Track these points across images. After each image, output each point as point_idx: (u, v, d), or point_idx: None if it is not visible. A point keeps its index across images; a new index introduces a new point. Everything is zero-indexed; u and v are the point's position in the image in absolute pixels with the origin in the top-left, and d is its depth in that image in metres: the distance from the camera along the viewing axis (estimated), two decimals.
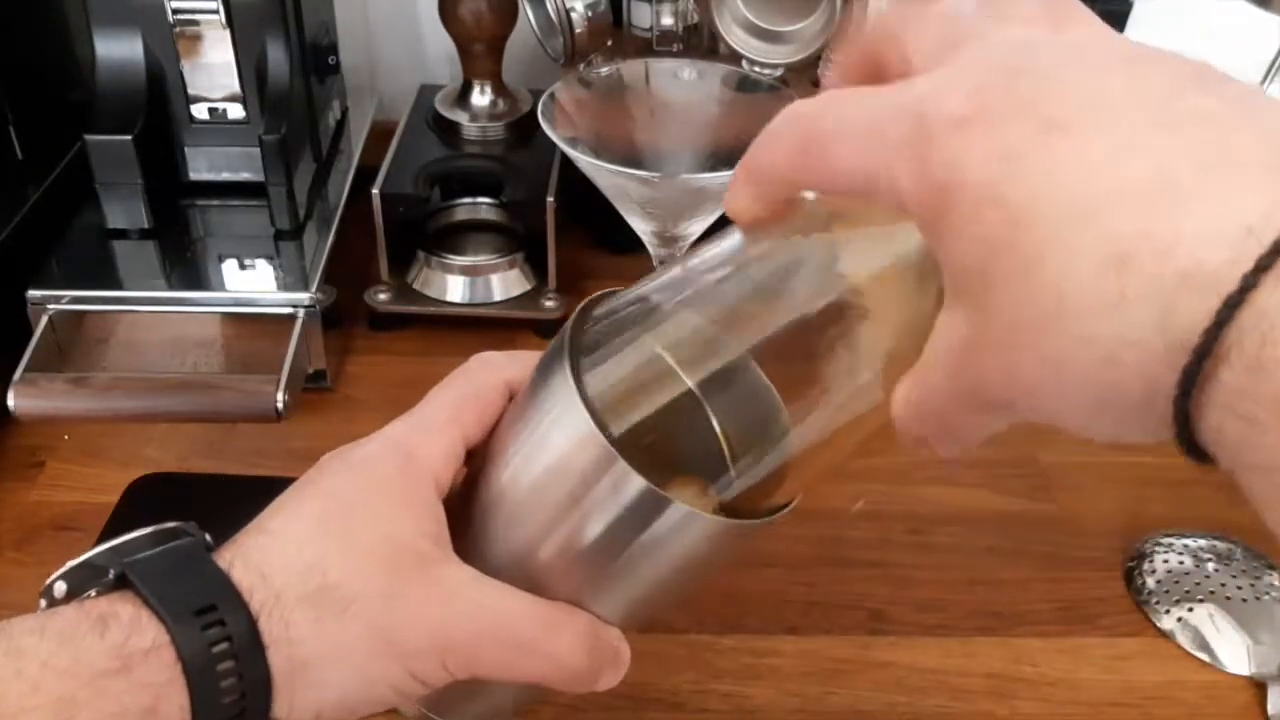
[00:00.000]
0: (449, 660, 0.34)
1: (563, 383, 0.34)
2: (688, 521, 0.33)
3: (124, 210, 0.67)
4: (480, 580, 0.35)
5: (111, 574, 0.33)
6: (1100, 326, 0.23)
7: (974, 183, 0.24)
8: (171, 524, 0.35)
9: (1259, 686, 0.52)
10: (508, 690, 0.40)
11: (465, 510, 0.37)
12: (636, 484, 0.33)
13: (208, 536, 0.35)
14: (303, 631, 0.33)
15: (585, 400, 0.33)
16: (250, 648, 0.32)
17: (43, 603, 0.34)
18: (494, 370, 0.38)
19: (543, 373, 0.35)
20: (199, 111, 0.69)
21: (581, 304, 0.36)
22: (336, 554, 0.34)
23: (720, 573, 0.37)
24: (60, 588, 0.34)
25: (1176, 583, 0.56)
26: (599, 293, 0.36)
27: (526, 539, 0.36)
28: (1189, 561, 0.57)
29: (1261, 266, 0.20)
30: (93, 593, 0.33)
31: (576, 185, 0.69)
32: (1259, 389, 0.21)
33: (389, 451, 0.37)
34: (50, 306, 0.62)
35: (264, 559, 0.34)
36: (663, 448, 0.34)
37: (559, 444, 0.34)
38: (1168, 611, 0.55)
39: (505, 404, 0.38)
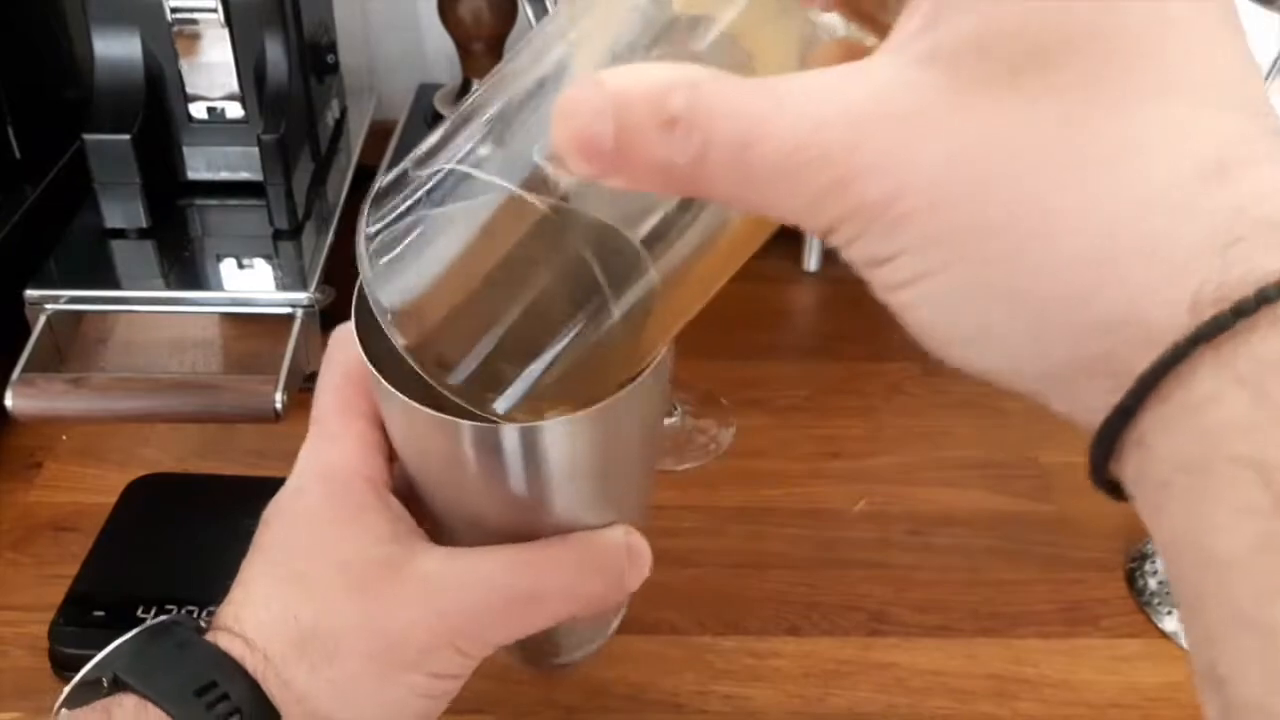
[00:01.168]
0: (462, 645, 0.33)
1: (372, 375, 0.33)
2: (532, 435, 0.31)
3: (122, 210, 0.66)
4: (453, 556, 0.34)
5: (105, 682, 0.33)
6: (1148, 209, 0.18)
7: None
8: (160, 619, 0.35)
9: None
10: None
11: (418, 498, 0.37)
12: (465, 428, 0.31)
13: (201, 622, 0.35)
14: (304, 686, 0.32)
15: (393, 379, 0.32)
16: (260, 712, 0.32)
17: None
18: (349, 345, 0.36)
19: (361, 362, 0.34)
20: (197, 111, 0.69)
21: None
22: (299, 599, 0.34)
23: (641, 445, 0.36)
24: (65, 715, 0.33)
25: None
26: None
27: (463, 509, 0.35)
28: None
29: None
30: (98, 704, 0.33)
31: None
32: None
33: (306, 479, 0.36)
34: (48, 306, 0.62)
35: (241, 627, 0.33)
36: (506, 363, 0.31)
37: (402, 425, 0.34)
38: (1169, 612, 0.54)
39: None
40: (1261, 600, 0.18)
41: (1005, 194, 0.19)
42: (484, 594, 0.34)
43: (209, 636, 0.33)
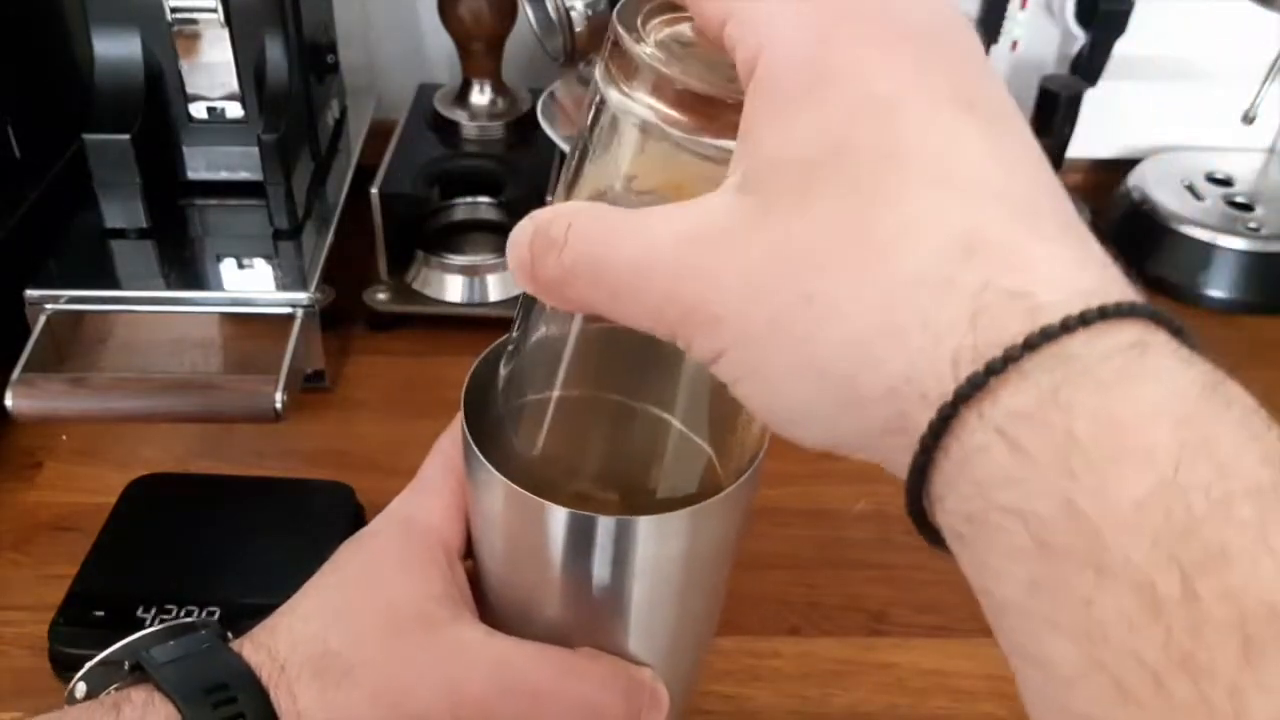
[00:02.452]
0: (463, 718, 0.34)
1: (470, 448, 0.34)
2: (627, 529, 0.33)
3: (122, 210, 0.66)
4: (491, 636, 0.35)
5: (126, 665, 0.34)
6: (911, 289, 0.21)
7: (867, 89, 0.23)
8: (188, 619, 0.36)
9: None
10: None
11: (477, 575, 0.38)
12: (560, 514, 0.33)
13: (229, 634, 0.36)
14: (308, 701, 0.33)
15: (492, 445, 0.34)
16: None
17: (66, 707, 0.35)
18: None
19: (462, 435, 0.36)
20: (197, 111, 0.69)
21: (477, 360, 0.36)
22: (336, 623, 0.35)
23: (720, 563, 0.37)
24: (80, 688, 0.35)
25: None
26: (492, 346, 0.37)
27: (522, 596, 0.36)
28: None
29: (1088, 319, 0.20)
30: (111, 689, 0.34)
31: None
32: (1044, 416, 0.20)
33: (389, 523, 0.38)
34: (48, 306, 0.62)
35: (272, 638, 0.35)
36: (612, 469, 0.35)
37: (492, 506, 0.35)
38: None
39: None
40: (1035, 637, 0.20)
41: (799, 288, 0.22)
42: (503, 677, 0.35)
43: (237, 643, 0.35)
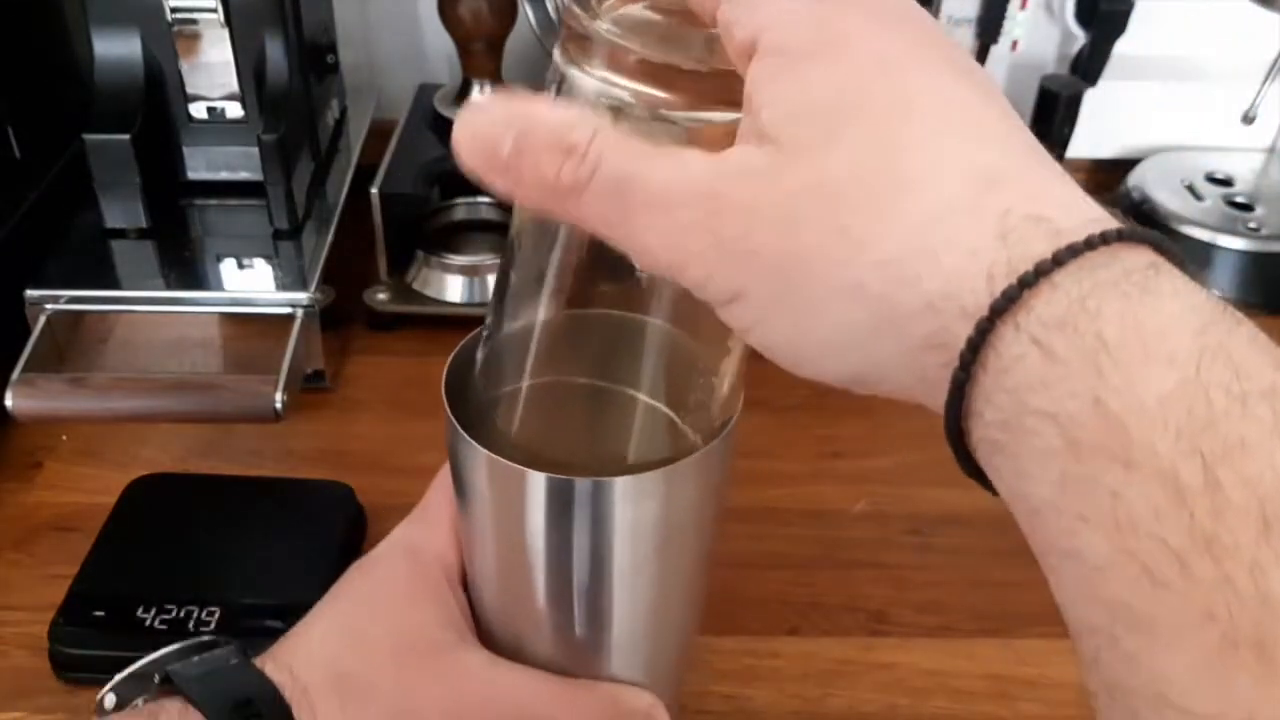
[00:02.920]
0: None
1: (452, 426, 0.35)
2: (603, 490, 0.34)
3: (122, 210, 0.66)
4: (495, 662, 0.37)
5: (156, 679, 0.36)
6: (938, 216, 0.23)
7: (874, 52, 0.25)
8: (208, 636, 0.38)
9: None
10: None
11: (467, 572, 0.39)
12: (539, 479, 0.33)
13: (247, 651, 0.38)
14: (327, 718, 0.35)
15: (473, 433, 0.34)
16: None
17: (95, 718, 0.37)
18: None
19: (445, 419, 0.36)
20: (197, 111, 0.69)
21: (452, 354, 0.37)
22: (351, 648, 0.37)
23: (697, 533, 0.37)
24: (110, 699, 0.37)
25: None
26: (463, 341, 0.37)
27: (507, 577, 0.37)
28: None
29: (1108, 239, 0.22)
30: (140, 701, 0.36)
31: None
32: (1074, 322, 0.21)
33: (395, 551, 0.40)
34: (48, 306, 0.62)
35: (292, 658, 0.37)
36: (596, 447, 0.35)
37: (476, 482, 0.36)
38: None
39: None
40: (1067, 532, 0.22)
41: (834, 221, 0.23)
42: (506, 704, 0.37)
43: (259, 661, 0.36)
